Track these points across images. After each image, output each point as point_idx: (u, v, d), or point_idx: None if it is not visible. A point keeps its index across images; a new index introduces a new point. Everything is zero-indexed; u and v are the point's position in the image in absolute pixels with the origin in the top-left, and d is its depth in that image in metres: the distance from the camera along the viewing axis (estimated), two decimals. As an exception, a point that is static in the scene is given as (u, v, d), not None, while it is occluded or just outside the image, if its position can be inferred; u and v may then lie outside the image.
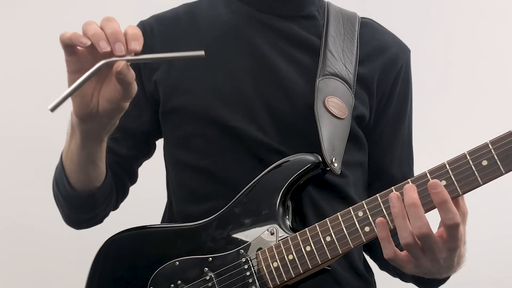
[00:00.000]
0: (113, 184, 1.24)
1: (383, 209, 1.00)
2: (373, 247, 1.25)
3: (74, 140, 1.07)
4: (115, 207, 1.32)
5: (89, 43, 0.90)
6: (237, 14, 1.24)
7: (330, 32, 1.23)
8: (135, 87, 0.95)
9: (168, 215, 1.30)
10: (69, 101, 0.97)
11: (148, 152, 1.35)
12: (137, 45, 0.91)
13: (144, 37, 0.94)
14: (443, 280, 1.14)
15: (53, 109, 0.87)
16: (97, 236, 1.23)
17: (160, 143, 1.32)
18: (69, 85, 0.95)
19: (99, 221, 1.30)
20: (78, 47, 0.94)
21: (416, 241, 0.95)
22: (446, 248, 0.96)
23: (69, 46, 0.93)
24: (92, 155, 1.10)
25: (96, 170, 1.14)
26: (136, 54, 0.93)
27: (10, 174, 2.23)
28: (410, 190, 0.95)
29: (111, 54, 0.91)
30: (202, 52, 0.94)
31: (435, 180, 0.94)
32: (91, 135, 1.05)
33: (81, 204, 1.20)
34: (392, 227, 0.98)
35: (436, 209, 0.95)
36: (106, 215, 1.30)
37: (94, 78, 0.94)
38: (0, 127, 2.24)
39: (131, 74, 0.92)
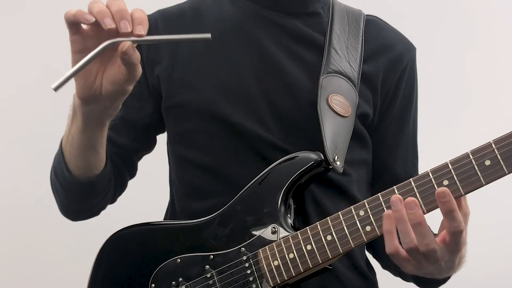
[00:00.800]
0: (112, 174, 1.24)
1: (385, 209, 0.99)
2: (375, 245, 1.24)
3: (75, 124, 1.07)
4: (113, 200, 1.31)
5: (93, 19, 0.89)
6: (242, 10, 1.23)
7: (335, 29, 1.23)
8: (139, 69, 0.94)
9: (171, 211, 1.30)
10: (72, 84, 0.96)
11: (149, 146, 1.34)
12: (142, 29, 0.90)
13: (149, 32, 0.93)
14: (443, 280, 1.13)
15: (56, 89, 0.86)
16: (100, 232, 1.23)
17: (162, 138, 1.32)
18: (73, 64, 0.94)
19: (96, 212, 1.29)
20: (83, 27, 0.93)
21: (419, 248, 0.94)
22: (448, 251, 0.96)
23: (73, 24, 0.92)
24: (92, 140, 1.09)
25: (96, 156, 1.13)
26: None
27: (9, 173, 2.23)
28: (414, 207, 0.93)
29: (116, 34, 0.90)
30: (208, 35, 0.92)
31: (444, 189, 0.92)
32: (92, 119, 1.04)
33: (79, 192, 1.19)
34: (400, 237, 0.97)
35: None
36: (103, 207, 1.29)
37: (98, 59, 0.93)
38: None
39: (136, 55, 0.91)
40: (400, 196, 0.96)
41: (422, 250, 0.93)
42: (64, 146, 1.15)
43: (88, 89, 0.97)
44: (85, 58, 0.89)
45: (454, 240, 0.94)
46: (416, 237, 0.93)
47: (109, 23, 0.89)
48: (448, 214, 0.92)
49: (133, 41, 0.90)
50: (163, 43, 1.22)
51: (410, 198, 0.94)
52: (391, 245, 0.97)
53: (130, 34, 0.90)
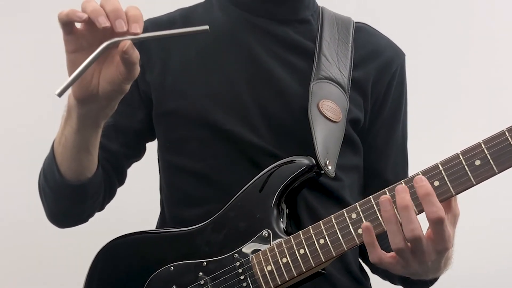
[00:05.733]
0: (102, 179, 1.23)
1: (376, 211, 0.99)
2: (364, 250, 1.24)
3: (69, 125, 1.06)
4: (101, 207, 1.30)
5: (85, 16, 0.89)
6: (232, 18, 1.24)
7: (325, 36, 1.24)
8: (138, 68, 0.94)
9: (161, 219, 1.30)
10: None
11: (139, 153, 1.34)
12: (138, 28, 0.90)
13: (139, 40, 0.93)
14: (430, 282, 1.14)
15: (60, 94, 0.86)
16: (93, 242, 1.23)
17: (152, 146, 1.32)
18: (68, 64, 0.94)
19: (84, 219, 1.28)
20: (77, 26, 0.93)
21: (407, 245, 0.94)
22: (435, 250, 0.95)
23: (67, 24, 0.92)
24: (86, 141, 1.08)
25: (89, 158, 1.12)
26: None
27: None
28: (402, 191, 0.94)
29: (111, 32, 0.89)
30: (206, 27, 0.92)
31: (420, 176, 0.93)
32: (88, 119, 1.03)
33: (70, 195, 1.17)
34: (385, 228, 0.97)
35: None
36: (92, 214, 1.28)
37: None
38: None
39: (136, 54, 0.91)
40: (389, 197, 0.96)
41: (408, 237, 0.93)
42: (56, 148, 1.14)
43: (85, 89, 0.96)
44: (86, 61, 0.88)
45: (436, 230, 0.93)
46: (402, 223, 0.93)
47: (103, 22, 0.88)
48: (425, 198, 0.92)
49: (132, 40, 0.90)
50: (156, 47, 1.22)
51: (401, 186, 0.95)
52: (374, 255, 0.97)
53: (126, 32, 0.90)
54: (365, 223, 0.97)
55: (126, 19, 0.90)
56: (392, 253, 0.98)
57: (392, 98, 1.26)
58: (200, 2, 1.33)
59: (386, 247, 0.98)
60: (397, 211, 0.94)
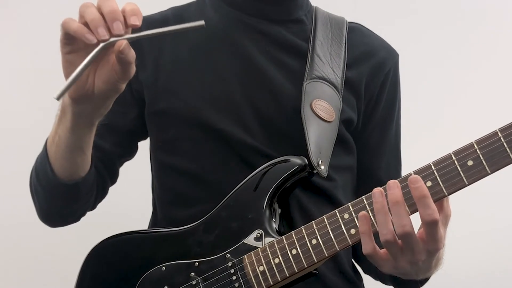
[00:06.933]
0: (95, 178, 1.22)
1: (369, 211, 0.99)
2: (356, 249, 1.24)
3: (64, 124, 1.05)
4: (93, 206, 1.30)
5: (95, 41, 0.88)
6: (226, 17, 1.24)
7: (318, 36, 1.24)
8: (134, 67, 0.93)
9: (153, 219, 1.29)
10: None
11: (131, 152, 1.34)
12: (136, 20, 0.89)
13: (136, 39, 0.93)
14: (421, 282, 1.13)
15: (59, 98, 0.86)
16: (84, 242, 1.22)
17: (145, 145, 1.31)
18: (64, 65, 0.94)
19: (76, 218, 1.28)
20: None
21: (396, 240, 0.94)
22: (426, 250, 0.95)
23: (70, 36, 0.90)
24: (80, 141, 1.08)
25: (83, 157, 1.12)
26: (134, 32, 0.91)
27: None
28: (394, 187, 0.94)
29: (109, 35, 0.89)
30: (202, 22, 0.92)
31: (416, 176, 0.93)
32: (82, 118, 1.03)
33: (62, 194, 1.17)
34: (375, 222, 0.97)
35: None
36: (83, 213, 1.28)
37: None
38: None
39: (132, 53, 0.90)
40: (381, 189, 0.96)
41: (398, 233, 0.93)
42: (49, 147, 1.13)
43: (80, 89, 0.95)
44: (83, 62, 0.88)
45: (430, 232, 0.93)
46: (393, 219, 0.93)
47: (103, 34, 0.87)
48: (421, 200, 0.92)
49: (128, 39, 0.89)
50: (148, 46, 1.22)
51: (392, 181, 0.95)
52: (368, 245, 0.97)
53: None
54: (363, 212, 0.96)
55: (123, 18, 0.89)
56: (384, 249, 0.97)
57: (385, 99, 1.26)
58: (192, 1, 1.33)
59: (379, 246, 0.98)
60: (388, 207, 0.94)
